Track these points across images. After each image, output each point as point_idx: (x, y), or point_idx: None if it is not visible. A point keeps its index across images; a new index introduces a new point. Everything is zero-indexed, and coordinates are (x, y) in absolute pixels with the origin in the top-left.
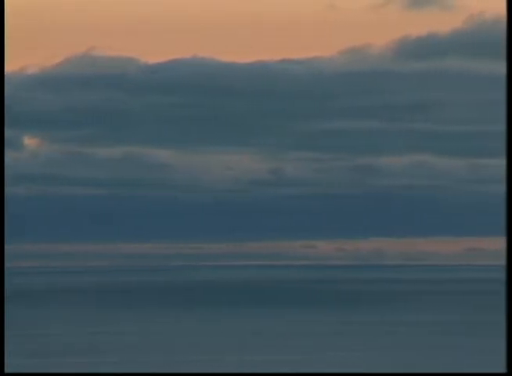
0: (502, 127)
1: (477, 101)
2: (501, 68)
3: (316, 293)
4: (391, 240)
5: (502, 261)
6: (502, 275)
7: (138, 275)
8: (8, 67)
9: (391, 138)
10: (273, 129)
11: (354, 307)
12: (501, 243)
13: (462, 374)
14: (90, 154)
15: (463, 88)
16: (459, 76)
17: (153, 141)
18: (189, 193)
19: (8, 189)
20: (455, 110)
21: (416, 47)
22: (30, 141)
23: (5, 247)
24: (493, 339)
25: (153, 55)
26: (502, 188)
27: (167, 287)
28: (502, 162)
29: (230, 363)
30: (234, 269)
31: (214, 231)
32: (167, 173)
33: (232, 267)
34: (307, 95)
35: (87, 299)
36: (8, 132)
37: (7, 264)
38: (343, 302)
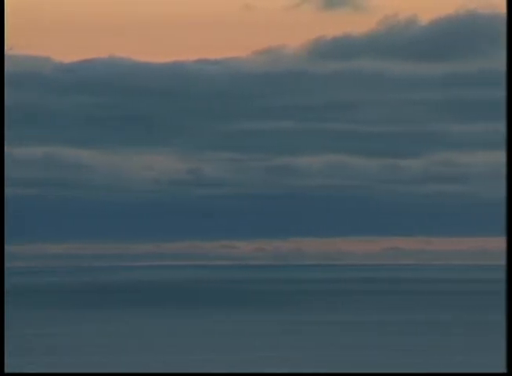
0: (416, 127)
1: (391, 102)
2: (415, 68)
3: (236, 293)
4: (310, 240)
5: (420, 260)
6: (418, 274)
7: (57, 275)
8: None
9: (307, 138)
10: (191, 129)
11: (274, 306)
12: (418, 242)
13: (462, 374)
14: (8, 155)
15: (378, 89)
16: (374, 76)
17: (72, 141)
18: (109, 193)
19: None
20: (370, 110)
21: (331, 48)
22: None
23: (5, 247)
24: (415, 338)
25: (70, 54)
26: (416, 188)
27: (87, 288)
28: (417, 162)
29: (155, 364)
30: (156, 269)
31: (136, 231)
32: (86, 173)
33: (153, 267)
34: (224, 96)
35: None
36: None
37: None
38: (263, 302)
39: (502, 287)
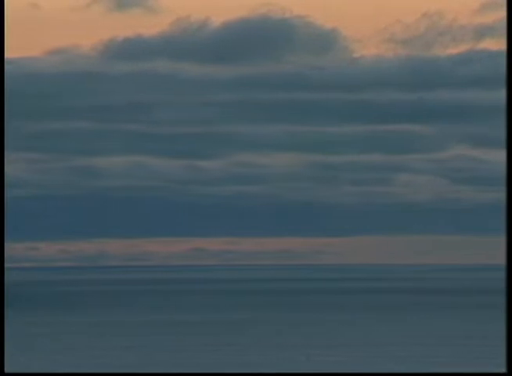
0: (213, 129)
1: (187, 103)
2: (208, 70)
3: (38, 295)
4: (113, 241)
5: (225, 260)
6: (223, 274)
7: None
8: None
9: (106, 139)
10: None
11: (77, 308)
12: (223, 243)
13: (462, 374)
14: None
15: (173, 90)
16: (168, 78)
17: None
18: None
19: None
20: (166, 111)
21: (124, 48)
22: None
23: (5, 247)
24: (212, 337)
25: None
26: (217, 189)
27: None
28: (216, 163)
29: None
30: None
31: None
32: None
33: None
34: (20, 96)
35: None
36: None
37: None
38: (66, 304)
39: (307, 284)
